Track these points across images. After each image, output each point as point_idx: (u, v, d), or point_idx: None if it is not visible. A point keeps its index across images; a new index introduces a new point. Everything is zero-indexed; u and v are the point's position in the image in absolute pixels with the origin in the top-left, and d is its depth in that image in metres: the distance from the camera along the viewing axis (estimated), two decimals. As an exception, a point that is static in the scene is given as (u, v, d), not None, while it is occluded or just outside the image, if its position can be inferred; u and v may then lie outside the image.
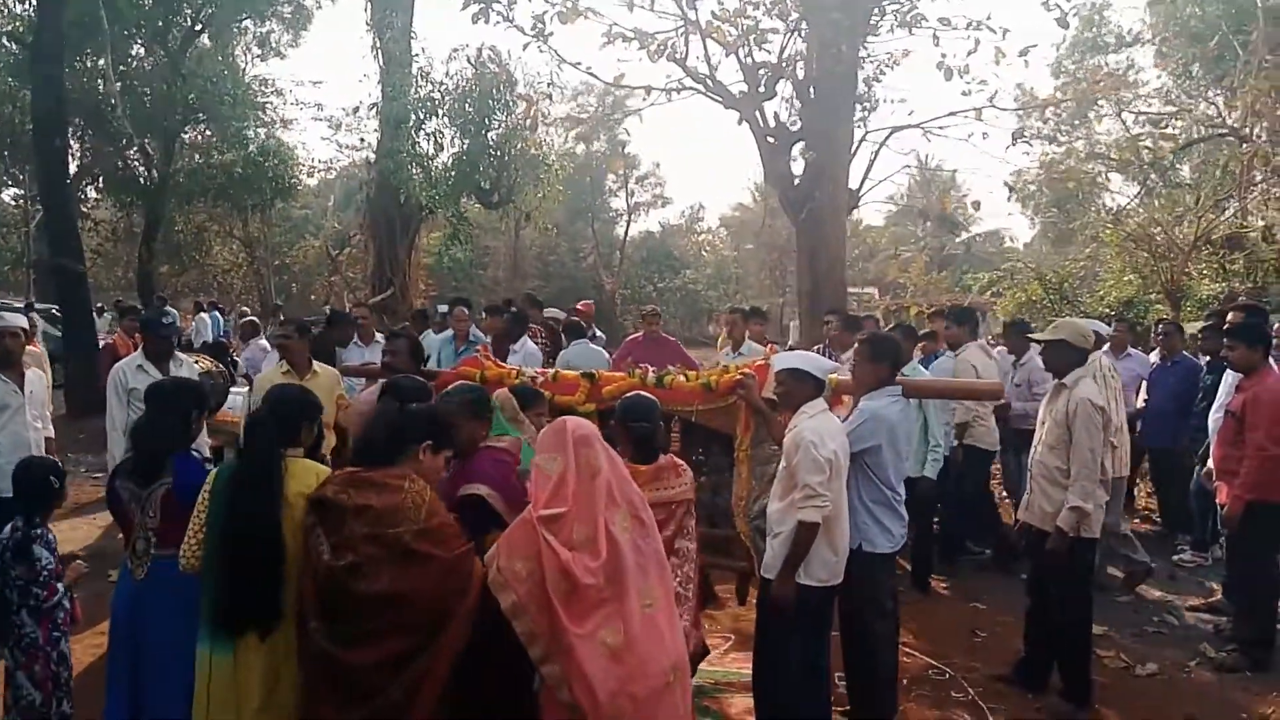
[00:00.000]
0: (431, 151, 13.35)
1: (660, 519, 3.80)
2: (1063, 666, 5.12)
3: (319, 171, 25.13)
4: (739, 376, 4.92)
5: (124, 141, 17.89)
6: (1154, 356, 8.69)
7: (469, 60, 13.34)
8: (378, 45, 13.39)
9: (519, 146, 13.33)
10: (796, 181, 10.15)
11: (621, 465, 3.61)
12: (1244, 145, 14.96)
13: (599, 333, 10.38)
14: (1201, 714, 5.10)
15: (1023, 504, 5.24)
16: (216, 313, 18.79)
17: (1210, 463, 6.47)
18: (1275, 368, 5.83)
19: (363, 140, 14.58)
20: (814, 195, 9.90)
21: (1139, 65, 25.88)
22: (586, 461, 3.44)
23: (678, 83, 10.87)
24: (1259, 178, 14.97)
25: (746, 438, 4.92)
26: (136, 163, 19.09)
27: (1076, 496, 4.81)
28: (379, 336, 8.54)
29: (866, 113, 10.16)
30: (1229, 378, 6.27)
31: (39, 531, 3.96)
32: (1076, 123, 24.22)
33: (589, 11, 10.99)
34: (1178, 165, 23.73)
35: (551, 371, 5.60)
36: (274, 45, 23.77)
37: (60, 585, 3.97)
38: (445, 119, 13.18)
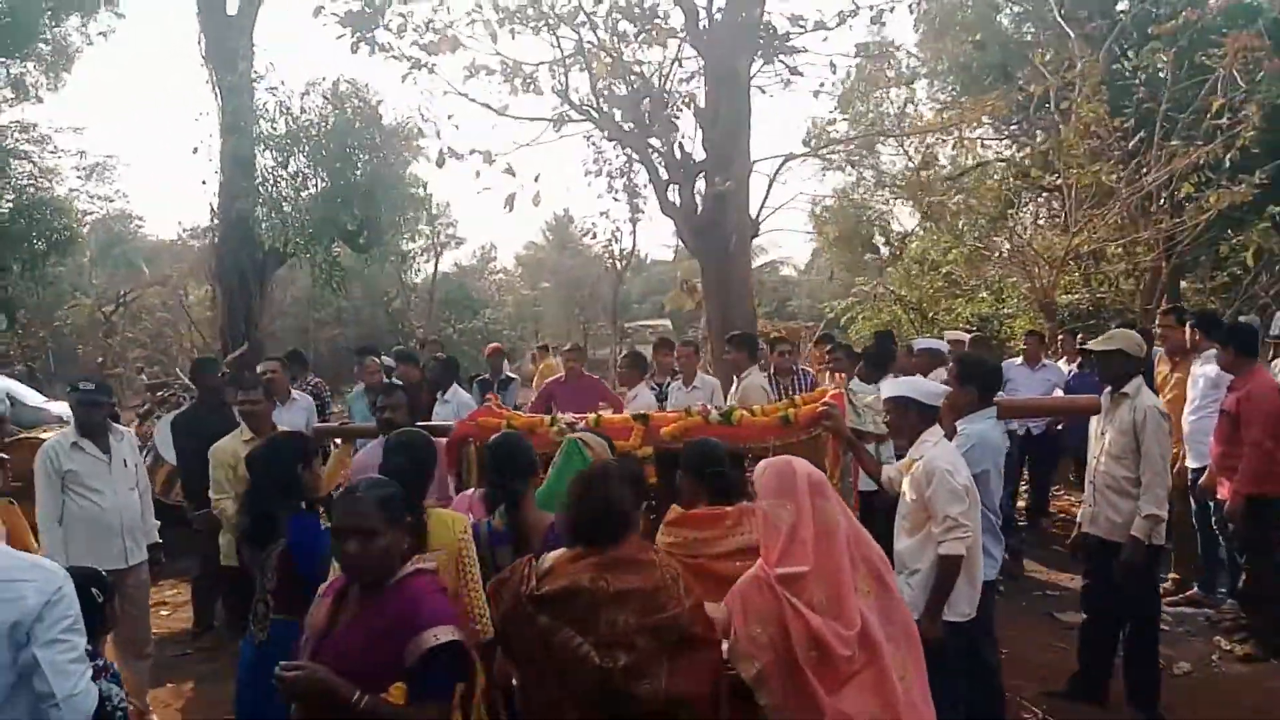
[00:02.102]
0: (290, 193, 12.25)
1: (748, 564, 3.40)
2: (1134, 673, 5.12)
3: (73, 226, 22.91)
4: (823, 408, 4.64)
5: None
6: (1062, 364, 9.11)
7: (325, 96, 12.38)
8: (214, 79, 12.16)
9: (393, 185, 12.49)
10: (699, 211, 10.01)
11: (854, 518, 3.24)
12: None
13: (512, 374, 9.79)
14: (1256, 705, 5.25)
15: (1086, 517, 5.22)
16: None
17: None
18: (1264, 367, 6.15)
19: (204, 183, 13.30)
20: (720, 225, 9.79)
21: (919, 98, 27.84)
22: (822, 513, 3.06)
23: (563, 115, 10.52)
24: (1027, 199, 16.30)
25: (836, 472, 4.64)
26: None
27: (1152, 505, 4.81)
28: (294, 394, 7.66)
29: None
30: (1201, 381, 6.55)
31: (101, 662, 3.12)
32: (864, 153, 25.71)
33: (455, 42, 10.42)
34: (951, 192, 25.69)
35: (593, 416, 5.10)
36: (31, 89, 21.41)
37: None
38: (303, 157, 12.14)
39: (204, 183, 14.46)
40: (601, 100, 10.45)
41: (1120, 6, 28.68)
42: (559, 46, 10.68)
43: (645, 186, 12.02)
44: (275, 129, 12.25)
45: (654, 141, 10.24)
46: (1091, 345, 5.23)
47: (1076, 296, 12.27)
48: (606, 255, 32.99)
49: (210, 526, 6.23)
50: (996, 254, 12.84)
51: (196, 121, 16.71)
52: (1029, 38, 27.36)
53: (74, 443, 5.21)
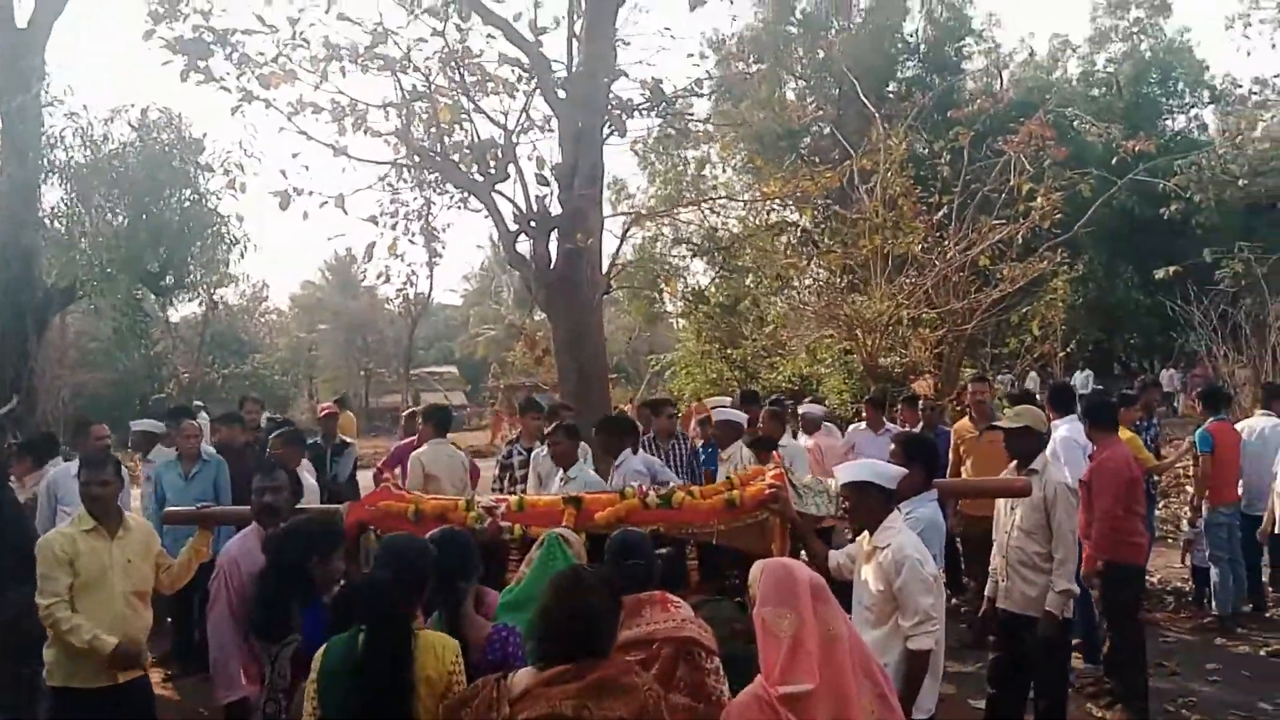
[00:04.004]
0: (88, 228, 10.82)
1: (640, 658, 3.15)
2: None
3: None
4: (769, 490, 4.46)
5: None
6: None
7: (131, 124, 11.11)
8: (-10, 95, 10.61)
9: (211, 222, 11.30)
10: (552, 265, 9.73)
11: (853, 625, 3.05)
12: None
13: (347, 439, 9.08)
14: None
15: (999, 592, 5.30)
16: None
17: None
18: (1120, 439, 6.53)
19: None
20: (574, 280, 9.57)
21: (713, 160, 28.96)
22: (825, 622, 2.85)
23: (412, 160, 10.00)
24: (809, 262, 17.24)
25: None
26: None
27: (1065, 580, 4.96)
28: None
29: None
30: (1063, 449, 6.89)
31: None
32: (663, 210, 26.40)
33: (291, 75, 9.72)
34: (743, 250, 26.84)
35: (515, 499, 4.69)
36: None
37: None
38: (103, 189, 10.79)
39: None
40: (445, 146, 10.04)
41: (890, 87, 31.20)
42: (400, 87, 10.21)
43: (444, 230, 11.74)
44: (71, 158, 10.85)
45: (503, 191, 9.96)
46: (1001, 423, 5.37)
47: (890, 361, 12.95)
48: (399, 298, 32.02)
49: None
50: (812, 313, 13.39)
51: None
52: (811, 107, 29.08)
53: None
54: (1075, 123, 25.23)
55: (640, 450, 7.58)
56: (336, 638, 3.01)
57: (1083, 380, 22.74)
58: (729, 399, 11.76)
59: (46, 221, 10.90)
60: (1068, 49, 34.06)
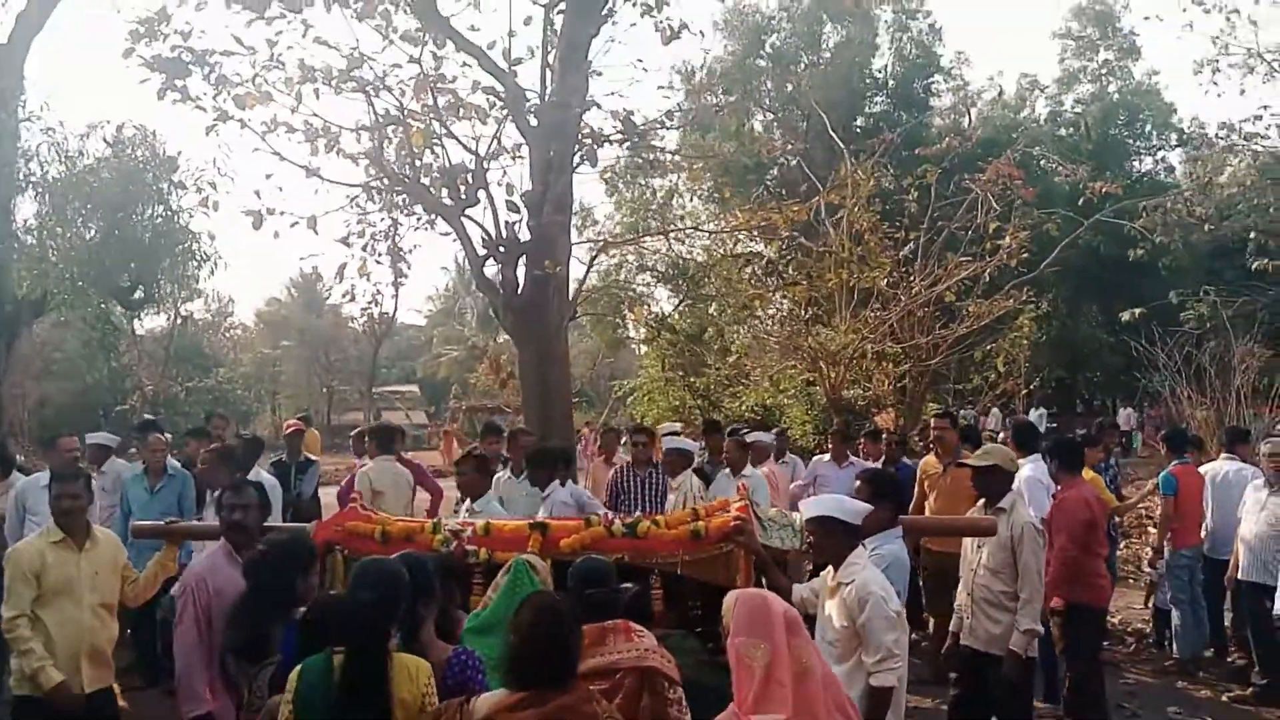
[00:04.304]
0: (62, 243, 10.67)
1: (603, 687, 3.10)
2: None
3: None
4: (735, 522, 4.46)
5: None
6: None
7: (107, 140, 10.98)
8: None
9: (182, 239, 11.20)
10: (520, 291, 9.73)
11: (824, 658, 3.07)
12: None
13: (312, 457, 9.00)
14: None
15: (964, 628, 5.32)
16: None
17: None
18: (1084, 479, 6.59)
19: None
20: (542, 307, 9.58)
21: (680, 189, 29.15)
22: (799, 654, 2.88)
23: (382, 181, 9.99)
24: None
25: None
26: None
27: (1029, 620, 4.98)
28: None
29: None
30: (1028, 489, 6.93)
31: None
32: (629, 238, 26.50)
33: (267, 96, 9.67)
34: (707, 279, 27.00)
35: (481, 523, 4.66)
36: None
37: None
38: (76, 204, 10.67)
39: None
40: (416, 169, 10.03)
41: (858, 122, 31.45)
42: (373, 111, 10.18)
43: (410, 251, 11.75)
44: (46, 172, 10.74)
45: (472, 216, 9.95)
46: (969, 461, 5.40)
47: (853, 393, 13.08)
48: (364, 318, 31.56)
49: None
50: (776, 343, 13.48)
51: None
52: (779, 140, 29.38)
53: None
54: (1042, 162, 25.64)
55: (618, 476, 7.63)
56: (312, 659, 3.00)
57: (1037, 418, 22.95)
58: (679, 425, 11.82)
59: (19, 234, 10.77)
60: (1036, 89, 34.38)
